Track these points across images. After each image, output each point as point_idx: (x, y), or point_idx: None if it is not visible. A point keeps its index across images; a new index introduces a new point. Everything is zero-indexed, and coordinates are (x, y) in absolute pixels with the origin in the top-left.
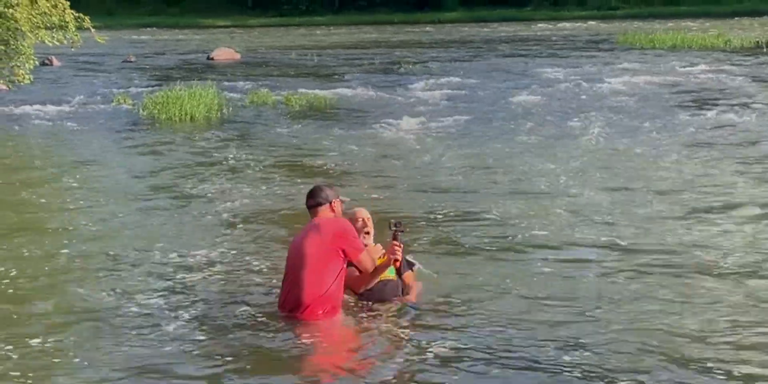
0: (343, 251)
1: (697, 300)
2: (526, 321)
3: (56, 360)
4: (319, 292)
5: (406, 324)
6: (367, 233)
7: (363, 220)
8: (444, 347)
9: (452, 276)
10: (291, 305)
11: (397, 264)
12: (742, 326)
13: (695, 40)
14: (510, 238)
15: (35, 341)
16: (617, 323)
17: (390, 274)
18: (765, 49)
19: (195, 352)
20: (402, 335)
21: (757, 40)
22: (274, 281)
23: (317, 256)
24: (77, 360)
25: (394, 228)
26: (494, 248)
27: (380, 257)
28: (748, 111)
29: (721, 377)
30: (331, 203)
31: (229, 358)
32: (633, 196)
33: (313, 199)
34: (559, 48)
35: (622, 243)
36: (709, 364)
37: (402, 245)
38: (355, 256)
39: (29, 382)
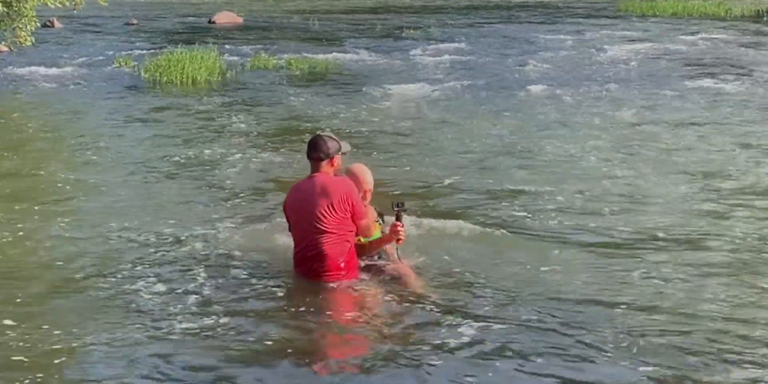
0: (351, 213)
1: (737, 292)
2: (546, 304)
3: (58, 339)
4: (337, 256)
5: (426, 300)
6: (364, 198)
7: (366, 192)
8: (469, 327)
9: (458, 258)
10: (310, 268)
11: (400, 242)
12: None
13: (696, 8)
14: (521, 215)
15: (33, 320)
16: (657, 313)
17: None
18: (765, 18)
19: (208, 323)
20: (421, 311)
21: (758, 8)
22: (280, 252)
23: (330, 219)
24: (81, 338)
25: (397, 208)
26: (507, 223)
27: (376, 222)
28: (755, 81)
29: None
30: (331, 159)
31: (247, 327)
32: (654, 173)
33: (314, 152)
34: (560, 15)
35: (647, 225)
36: (753, 360)
37: (404, 225)
38: (357, 220)
39: (28, 362)
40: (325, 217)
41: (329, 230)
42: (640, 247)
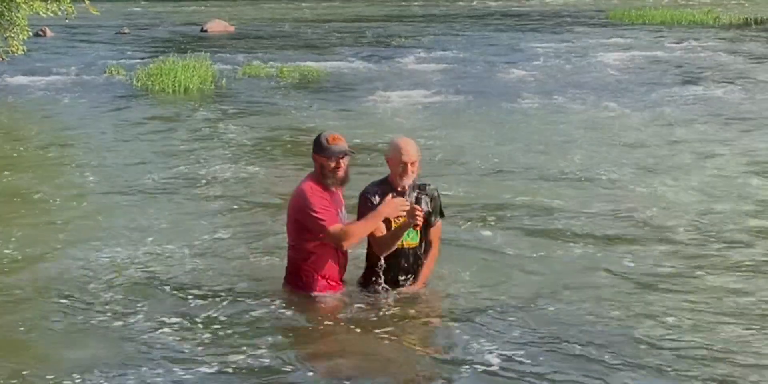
0: (305, 224)
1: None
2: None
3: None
4: (298, 265)
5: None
6: (404, 172)
7: (407, 164)
8: (475, 340)
9: (475, 268)
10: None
11: (417, 228)
12: None
13: (685, 16)
14: (523, 222)
15: (26, 353)
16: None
17: (413, 240)
18: (753, 26)
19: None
20: (421, 321)
21: (746, 17)
22: (271, 261)
23: (290, 229)
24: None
25: (417, 191)
26: (510, 233)
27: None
28: (745, 88)
29: None
30: (313, 155)
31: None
32: (660, 178)
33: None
34: (551, 23)
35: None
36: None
37: (423, 210)
38: (318, 232)
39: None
40: (287, 225)
41: (290, 238)
42: (661, 265)
